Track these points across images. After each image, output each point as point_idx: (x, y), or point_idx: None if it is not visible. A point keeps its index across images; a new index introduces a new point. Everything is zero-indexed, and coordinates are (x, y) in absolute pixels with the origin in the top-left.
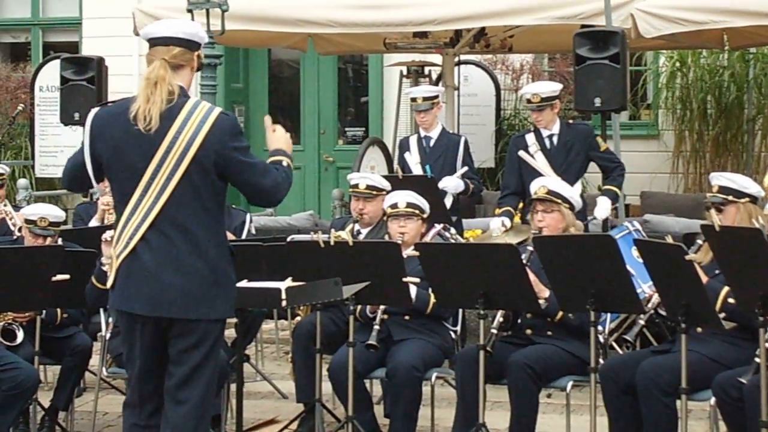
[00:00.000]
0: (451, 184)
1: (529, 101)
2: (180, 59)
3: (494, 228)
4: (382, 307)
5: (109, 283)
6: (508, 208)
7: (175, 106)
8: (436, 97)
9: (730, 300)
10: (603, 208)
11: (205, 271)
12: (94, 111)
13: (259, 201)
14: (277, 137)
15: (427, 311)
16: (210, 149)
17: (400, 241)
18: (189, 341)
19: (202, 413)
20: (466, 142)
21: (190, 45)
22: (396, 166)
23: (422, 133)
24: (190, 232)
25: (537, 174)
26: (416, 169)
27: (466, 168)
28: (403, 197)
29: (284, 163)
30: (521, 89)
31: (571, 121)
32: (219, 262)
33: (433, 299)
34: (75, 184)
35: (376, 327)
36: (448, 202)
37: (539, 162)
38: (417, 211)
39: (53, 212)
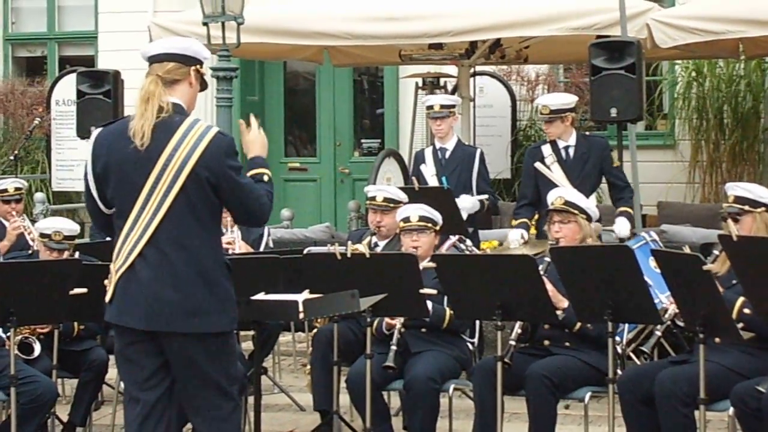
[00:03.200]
0: (467, 205)
1: (541, 112)
2: (174, 74)
3: (513, 240)
4: (398, 325)
5: (107, 298)
6: (524, 219)
7: (171, 124)
8: (454, 106)
9: (746, 310)
10: (624, 226)
11: (201, 285)
12: (96, 131)
13: (246, 222)
14: (253, 140)
15: (443, 326)
16: (205, 167)
17: None
18: (189, 357)
19: (229, 427)
20: (482, 153)
21: (184, 59)
22: (412, 177)
23: (438, 145)
24: (186, 247)
25: (553, 185)
26: (432, 181)
27: (486, 195)
28: (415, 211)
29: (265, 178)
30: (537, 99)
31: (587, 133)
32: (216, 277)
33: (449, 314)
34: (98, 222)
35: (393, 347)
36: (465, 214)
37: (555, 173)
38: (429, 225)
39: (68, 226)
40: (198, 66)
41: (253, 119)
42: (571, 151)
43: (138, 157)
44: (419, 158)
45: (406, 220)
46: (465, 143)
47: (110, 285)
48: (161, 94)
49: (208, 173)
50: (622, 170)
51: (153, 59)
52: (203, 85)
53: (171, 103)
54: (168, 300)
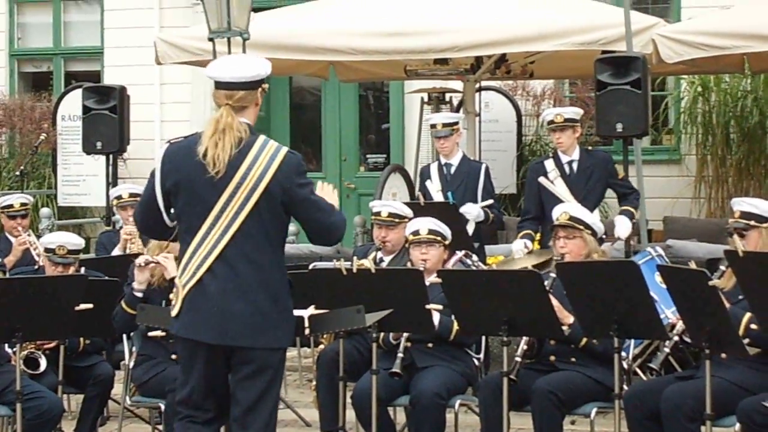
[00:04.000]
0: (473, 212)
1: (551, 122)
2: (244, 102)
3: (516, 250)
4: (405, 334)
5: (173, 312)
6: (529, 231)
7: (245, 145)
8: (456, 123)
9: (753, 326)
10: (624, 226)
11: (268, 301)
12: (164, 147)
13: (320, 237)
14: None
15: (450, 338)
16: (278, 185)
17: (422, 268)
18: (252, 369)
19: None
20: (487, 169)
21: (253, 86)
22: (418, 192)
23: (443, 161)
24: (255, 263)
25: (557, 200)
26: (437, 197)
27: (491, 201)
28: (425, 224)
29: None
30: (545, 112)
31: (590, 148)
32: (281, 293)
33: (456, 326)
34: (149, 228)
35: (400, 355)
36: (470, 228)
37: (559, 188)
38: (439, 238)
39: (71, 240)
40: (264, 85)
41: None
42: (575, 166)
43: (209, 175)
44: (425, 174)
45: (416, 233)
46: (470, 158)
47: (177, 299)
48: (238, 124)
49: (280, 192)
50: (627, 179)
51: (220, 86)
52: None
53: (245, 125)
54: (237, 314)
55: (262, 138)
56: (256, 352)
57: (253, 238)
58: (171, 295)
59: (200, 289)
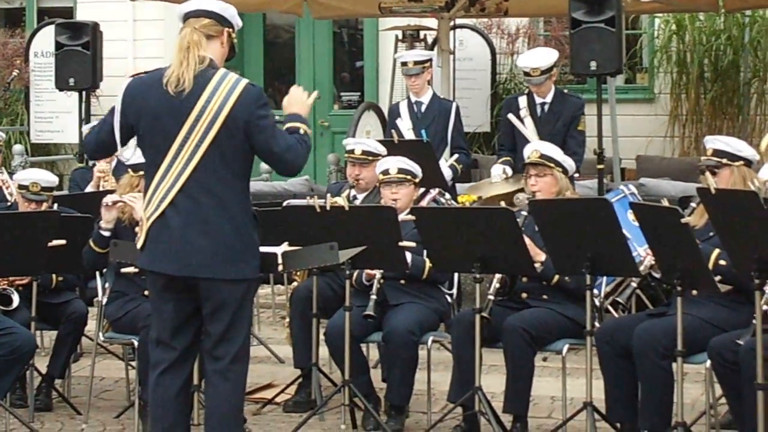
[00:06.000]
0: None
1: (527, 74)
2: (209, 30)
3: (495, 174)
4: (378, 275)
5: (138, 245)
6: (508, 158)
7: (204, 76)
8: (427, 61)
9: (722, 262)
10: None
11: (231, 233)
12: (127, 82)
13: (280, 170)
14: (294, 99)
15: (423, 277)
16: (237, 117)
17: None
18: (217, 301)
19: (239, 367)
20: (457, 108)
21: (219, 19)
22: (391, 131)
23: (413, 99)
24: (217, 195)
25: (524, 137)
26: (408, 135)
27: (457, 155)
28: (394, 163)
29: (301, 131)
30: (517, 60)
31: (566, 92)
32: (244, 225)
33: (428, 265)
34: (100, 153)
35: (373, 297)
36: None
37: (528, 127)
38: (409, 177)
39: (45, 177)
40: (231, 30)
41: (301, 89)
42: (546, 108)
43: (172, 107)
44: (394, 112)
45: (386, 172)
46: (441, 97)
47: (141, 233)
48: (203, 45)
49: (240, 123)
50: (583, 136)
51: (189, 15)
52: (231, 52)
53: (209, 57)
54: (198, 246)
55: (222, 71)
56: (219, 284)
57: (215, 170)
58: (137, 229)
59: (163, 222)
